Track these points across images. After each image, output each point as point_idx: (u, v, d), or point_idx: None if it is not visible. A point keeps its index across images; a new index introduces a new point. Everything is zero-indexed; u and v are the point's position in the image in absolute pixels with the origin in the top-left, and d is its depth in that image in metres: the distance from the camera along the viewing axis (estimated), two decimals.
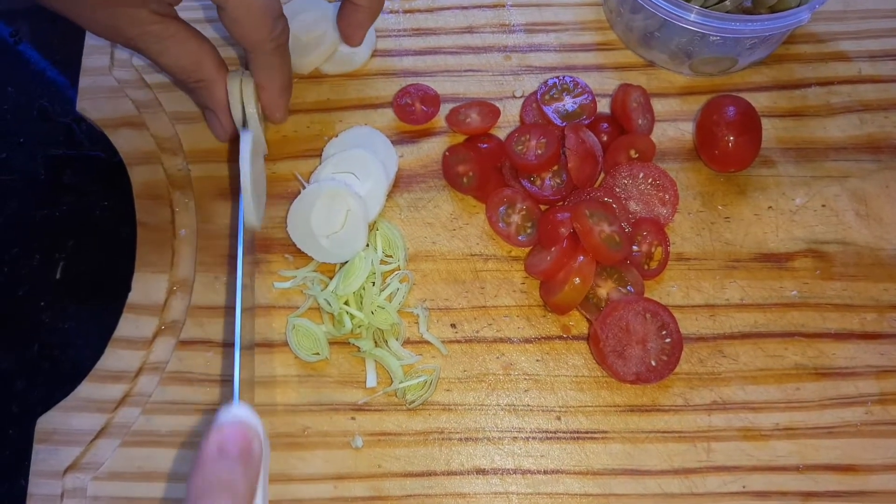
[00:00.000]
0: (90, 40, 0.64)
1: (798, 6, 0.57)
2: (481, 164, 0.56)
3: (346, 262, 0.55)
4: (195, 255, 0.57)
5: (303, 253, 0.56)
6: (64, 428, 0.53)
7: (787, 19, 0.53)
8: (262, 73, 0.54)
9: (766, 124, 0.59)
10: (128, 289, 0.56)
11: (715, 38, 0.55)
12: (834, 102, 0.61)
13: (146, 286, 0.57)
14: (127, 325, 0.56)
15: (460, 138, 0.60)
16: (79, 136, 0.64)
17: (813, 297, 0.55)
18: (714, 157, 0.57)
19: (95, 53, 0.63)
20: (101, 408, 0.54)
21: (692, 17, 0.54)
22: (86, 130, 0.64)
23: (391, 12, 0.65)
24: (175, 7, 0.51)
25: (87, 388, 0.54)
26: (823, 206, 0.58)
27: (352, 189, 0.55)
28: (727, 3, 0.57)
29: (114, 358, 0.55)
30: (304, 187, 0.57)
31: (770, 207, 0.58)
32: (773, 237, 0.57)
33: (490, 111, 0.60)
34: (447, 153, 0.58)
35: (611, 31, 0.64)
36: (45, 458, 0.52)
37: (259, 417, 0.42)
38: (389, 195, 0.59)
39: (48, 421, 0.53)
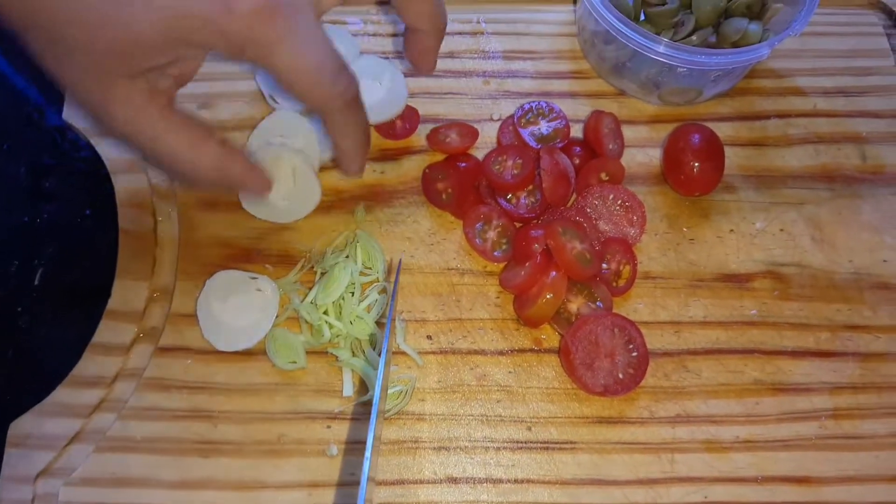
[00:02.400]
0: None
1: (759, 42, 0.61)
2: (459, 182, 0.59)
3: (326, 272, 0.56)
4: (176, 264, 0.58)
5: (284, 262, 0.58)
6: (37, 432, 0.53)
7: (748, 54, 0.57)
8: (335, 133, 0.48)
9: (729, 152, 0.62)
10: (107, 295, 0.57)
11: (682, 69, 0.59)
12: (791, 134, 0.64)
13: (126, 293, 0.57)
14: (105, 332, 0.56)
15: (440, 157, 0.62)
16: (63, 143, 0.65)
17: (771, 317, 0.58)
18: (680, 181, 0.60)
19: None
20: (77, 413, 0.54)
21: (661, 49, 0.57)
22: (71, 139, 0.64)
23: (375, 35, 0.68)
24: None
25: (62, 394, 0.54)
26: (781, 230, 0.61)
27: (288, 147, 0.58)
28: (694, 37, 0.61)
29: (91, 364, 0.55)
30: None
31: (732, 230, 0.61)
32: (735, 259, 0.60)
33: (469, 132, 0.62)
34: (427, 170, 0.60)
35: (584, 60, 0.67)
36: (17, 463, 0.52)
37: None
38: (370, 209, 0.60)
39: (21, 425, 0.53)
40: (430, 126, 0.63)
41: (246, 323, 0.55)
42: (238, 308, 0.56)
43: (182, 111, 0.45)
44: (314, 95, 0.44)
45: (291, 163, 0.58)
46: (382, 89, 0.63)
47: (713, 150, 0.59)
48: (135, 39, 0.39)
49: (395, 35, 0.68)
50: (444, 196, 0.59)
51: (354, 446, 0.53)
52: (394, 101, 0.62)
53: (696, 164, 0.58)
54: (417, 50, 0.53)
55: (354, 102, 0.46)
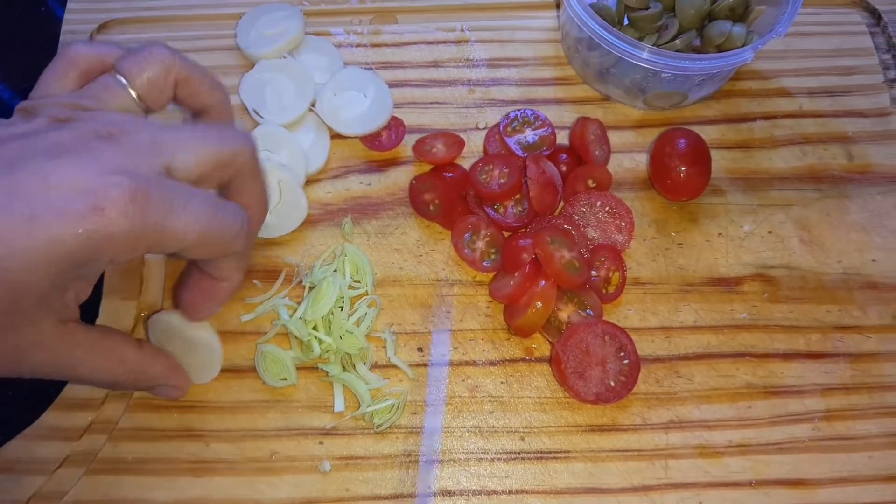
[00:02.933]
0: None
1: (743, 46, 0.61)
2: (447, 193, 0.58)
3: (315, 287, 0.56)
4: (164, 282, 0.58)
5: (272, 277, 0.58)
6: (27, 457, 0.53)
7: (732, 58, 0.57)
8: (225, 273, 0.47)
9: (716, 155, 0.62)
10: (95, 315, 0.57)
11: (666, 74, 0.59)
12: (778, 135, 0.64)
13: (114, 312, 0.57)
14: None
15: (426, 168, 0.62)
16: None
17: (762, 319, 0.58)
18: (667, 186, 0.60)
19: None
20: (67, 436, 0.53)
21: (644, 55, 0.57)
22: None
23: (359, 46, 0.68)
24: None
25: (52, 417, 0.54)
26: (770, 232, 0.61)
27: (273, 161, 0.58)
28: (677, 42, 0.61)
29: (80, 385, 0.55)
30: None
31: (720, 234, 0.61)
32: (724, 262, 0.60)
33: (455, 142, 0.62)
34: (414, 181, 0.60)
35: (569, 66, 0.67)
36: (8, 488, 0.51)
37: None
38: (358, 222, 0.60)
39: (11, 450, 0.53)
40: (415, 136, 0.63)
41: (196, 360, 0.54)
42: (185, 349, 0.53)
43: (89, 327, 0.43)
44: (227, 245, 0.42)
45: (277, 177, 0.58)
46: (367, 101, 0.63)
47: (699, 154, 0.59)
48: (17, 289, 0.36)
49: (378, 45, 0.68)
50: (431, 207, 0.59)
51: (347, 461, 0.53)
52: (379, 112, 0.62)
53: (683, 169, 0.58)
54: (208, 295, 0.49)
55: (251, 239, 0.46)
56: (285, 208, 0.58)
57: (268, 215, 0.57)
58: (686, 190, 0.60)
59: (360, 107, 0.62)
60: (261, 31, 0.65)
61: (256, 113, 0.62)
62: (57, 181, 0.36)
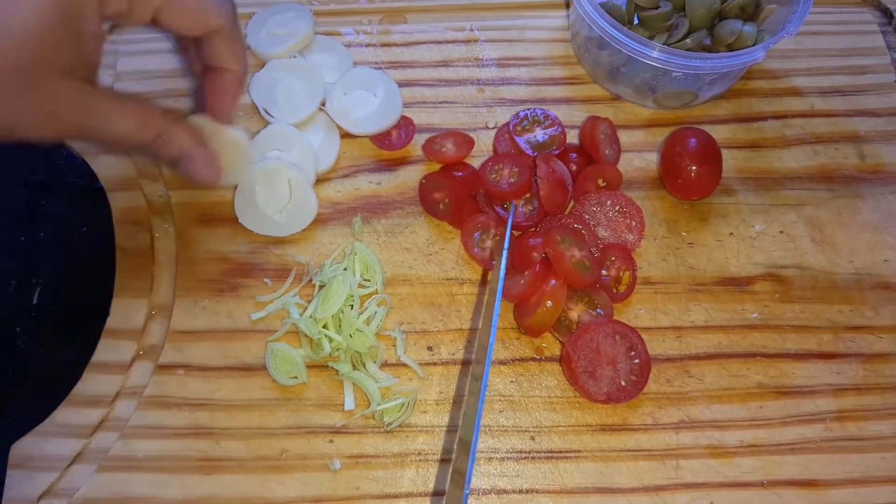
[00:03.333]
0: None
1: (754, 45, 0.60)
2: (456, 192, 0.58)
3: (325, 285, 0.56)
4: (174, 280, 0.58)
5: (282, 276, 0.58)
6: (39, 454, 0.53)
7: (743, 57, 0.57)
8: (223, 58, 0.50)
9: (726, 155, 0.62)
10: (106, 314, 0.57)
11: (677, 73, 0.58)
12: (789, 135, 0.64)
13: (125, 311, 0.57)
14: (105, 350, 0.56)
15: (436, 167, 0.62)
16: (58, 162, 0.65)
17: (773, 319, 0.57)
18: (677, 185, 0.60)
19: None
20: (78, 433, 0.53)
21: (655, 54, 0.57)
22: (66, 157, 0.64)
23: (368, 46, 0.68)
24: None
25: (63, 413, 0.54)
26: (781, 232, 0.60)
27: (284, 160, 0.58)
28: (688, 41, 0.61)
29: (91, 383, 0.55)
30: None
31: (731, 234, 0.60)
32: (735, 262, 0.59)
33: (464, 141, 0.62)
34: (424, 180, 0.60)
35: (579, 66, 0.67)
36: (20, 484, 0.52)
37: None
38: (368, 221, 0.60)
39: (23, 447, 0.53)
40: (425, 136, 0.63)
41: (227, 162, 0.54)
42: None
43: (111, 89, 0.46)
44: (210, 15, 0.46)
45: (288, 176, 0.58)
46: (377, 100, 0.63)
47: (710, 153, 0.59)
48: (28, 33, 0.39)
49: (388, 45, 0.68)
50: (441, 206, 0.59)
51: (357, 460, 0.53)
52: (388, 111, 0.62)
53: (694, 168, 0.58)
54: (219, 91, 0.52)
55: (237, 23, 0.48)
56: (295, 207, 0.58)
57: (279, 214, 0.57)
58: (697, 189, 0.60)
59: (369, 106, 0.62)
60: (271, 31, 0.65)
61: (267, 112, 0.62)
62: None
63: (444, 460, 0.53)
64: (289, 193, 0.58)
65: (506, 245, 0.53)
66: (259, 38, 0.65)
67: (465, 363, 0.56)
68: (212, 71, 0.51)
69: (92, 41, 0.44)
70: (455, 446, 0.45)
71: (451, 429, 0.54)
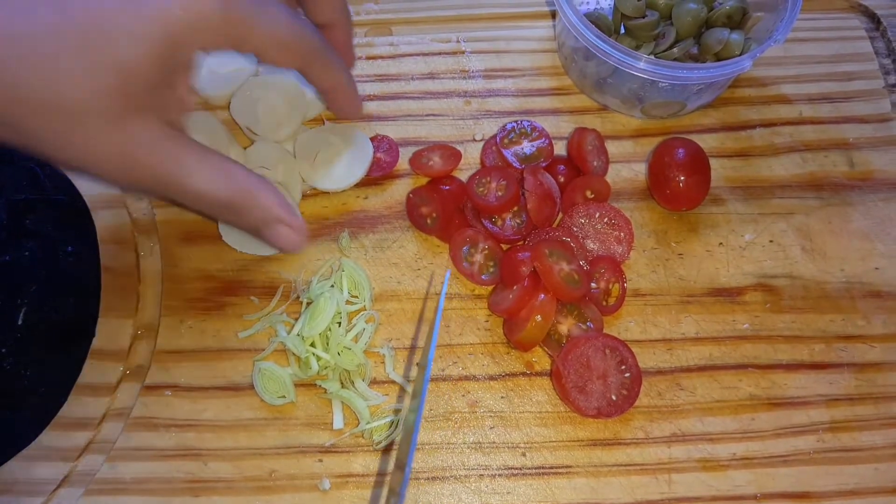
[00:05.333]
0: None
1: (741, 53, 0.60)
2: (444, 206, 0.58)
3: (312, 303, 0.55)
4: (160, 300, 0.57)
5: (269, 293, 0.57)
6: (25, 478, 0.52)
7: (730, 67, 0.56)
8: (328, 75, 0.49)
9: (715, 164, 0.62)
10: (92, 334, 0.56)
11: (664, 84, 0.58)
12: (777, 143, 0.64)
13: (111, 331, 0.56)
14: (91, 371, 0.55)
15: (423, 181, 0.62)
16: (42, 180, 0.64)
17: (764, 330, 0.57)
18: (666, 196, 0.59)
19: None
20: (65, 456, 0.53)
21: (641, 65, 0.56)
22: (50, 174, 0.64)
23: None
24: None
25: (49, 436, 0.53)
26: (771, 241, 0.60)
27: (269, 178, 0.57)
28: (675, 50, 0.61)
29: (78, 405, 0.54)
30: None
31: (721, 244, 0.60)
32: (725, 272, 0.59)
33: (452, 154, 0.61)
34: (411, 195, 0.59)
35: (566, 76, 0.67)
36: None
37: None
38: (355, 236, 0.60)
39: (9, 471, 0.52)
40: (412, 149, 0.62)
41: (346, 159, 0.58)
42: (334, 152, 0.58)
43: (196, 141, 0.44)
44: (302, 47, 0.45)
45: None
46: (345, 154, 0.61)
47: (698, 164, 0.59)
48: (125, 69, 0.38)
49: (373, 58, 0.67)
50: (428, 220, 0.58)
51: (347, 479, 0.52)
52: (360, 162, 0.61)
53: (682, 179, 0.58)
54: (335, 46, 0.52)
55: (327, 43, 0.48)
56: None
57: None
58: (685, 200, 0.59)
59: (339, 162, 0.60)
60: (213, 70, 0.63)
61: (250, 130, 0.61)
62: None
63: (434, 478, 0.53)
64: None
65: (438, 318, 0.52)
66: (200, 77, 0.62)
67: (455, 379, 0.55)
68: (322, 28, 0.51)
69: (186, 81, 0.43)
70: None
71: (443, 446, 0.53)
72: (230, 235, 0.58)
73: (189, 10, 0.38)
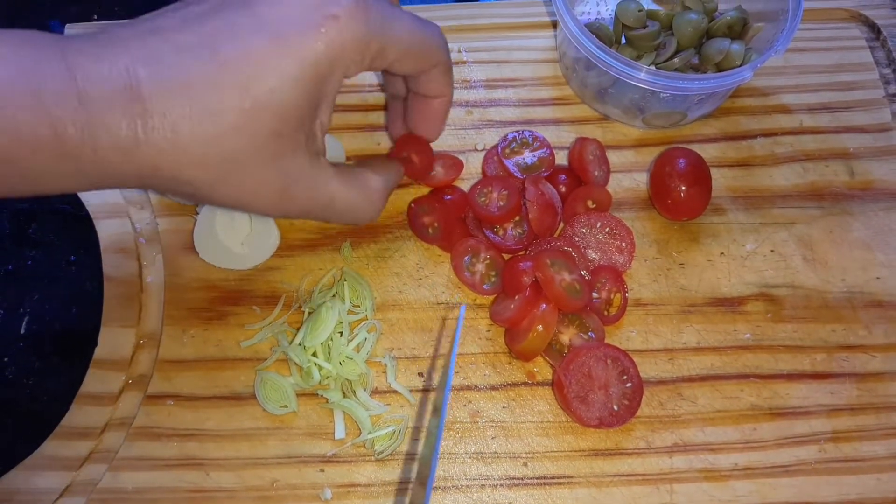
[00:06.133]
0: None
1: (742, 63, 0.60)
2: (446, 215, 0.58)
3: (313, 312, 0.55)
4: (162, 309, 0.58)
5: (271, 303, 0.58)
6: (27, 487, 0.52)
7: (731, 78, 0.56)
8: (442, 86, 0.50)
9: (716, 174, 0.62)
10: (94, 343, 0.56)
11: (665, 94, 0.58)
12: (778, 152, 0.64)
13: (113, 340, 0.57)
14: (93, 381, 0.55)
15: (425, 190, 0.62)
16: None
17: (766, 340, 0.57)
18: (667, 206, 0.60)
19: None
20: (66, 465, 0.53)
21: (642, 75, 0.56)
22: None
23: None
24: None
25: (51, 446, 0.54)
26: (772, 251, 0.60)
27: None
28: (676, 60, 0.61)
29: (80, 414, 0.54)
30: (196, 214, 0.59)
31: (722, 253, 0.60)
32: (726, 282, 0.59)
33: (453, 164, 0.61)
34: (413, 204, 0.60)
35: (567, 86, 0.67)
36: None
37: None
38: (357, 246, 0.60)
39: (11, 481, 0.52)
40: None
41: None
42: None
43: (337, 164, 0.45)
44: (431, 53, 0.46)
45: None
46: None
47: (700, 174, 0.59)
48: (280, 111, 0.38)
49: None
50: (430, 230, 0.59)
51: (349, 489, 0.52)
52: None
53: (683, 189, 0.58)
54: (432, 116, 0.52)
55: (449, 54, 0.49)
56: (257, 238, 0.58)
57: (240, 246, 0.57)
58: (687, 210, 0.59)
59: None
60: None
61: None
62: (288, 1, 0.38)
63: (435, 488, 0.53)
64: (249, 224, 0.58)
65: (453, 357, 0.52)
66: None
67: (457, 389, 0.55)
68: (423, 98, 0.51)
69: (329, 110, 0.43)
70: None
71: (444, 456, 0.53)
72: (206, 251, 0.58)
73: (332, 45, 0.38)
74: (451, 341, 0.56)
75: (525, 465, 0.53)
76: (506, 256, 0.59)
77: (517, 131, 0.63)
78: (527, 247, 0.58)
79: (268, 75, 0.37)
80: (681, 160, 0.59)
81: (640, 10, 0.63)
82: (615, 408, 0.53)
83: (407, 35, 0.43)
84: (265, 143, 0.38)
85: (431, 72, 0.48)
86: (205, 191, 0.39)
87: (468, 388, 0.55)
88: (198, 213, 0.59)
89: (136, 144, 0.35)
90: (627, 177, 0.63)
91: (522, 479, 0.53)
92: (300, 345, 0.54)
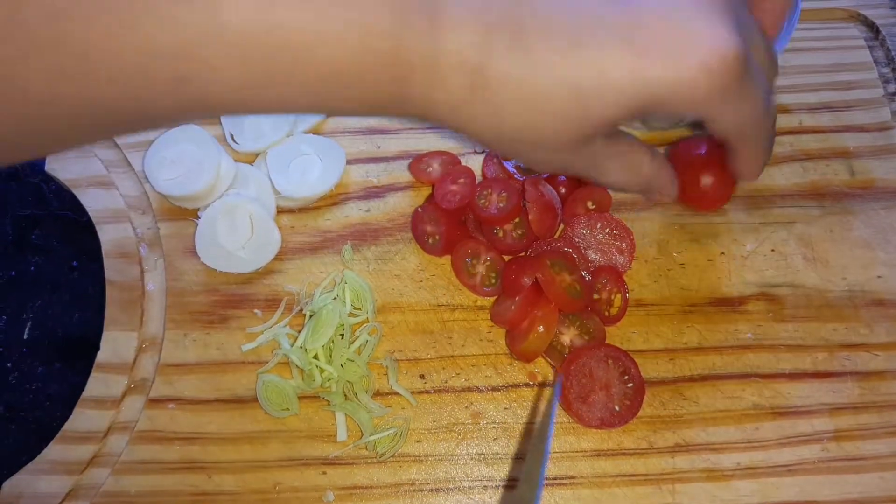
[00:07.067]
0: None
1: None
2: (448, 225, 0.58)
3: (314, 315, 0.56)
4: (164, 313, 0.58)
5: (273, 306, 0.58)
6: (31, 491, 0.52)
7: None
8: (751, 162, 0.49)
9: None
10: (96, 348, 0.57)
11: None
12: (778, 152, 0.64)
13: (115, 345, 0.57)
14: (96, 385, 0.56)
15: (425, 191, 0.62)
16: (48, 195, 0.65)
17: (767, 339, 0.57)
18: (694, 196, 0.58)
19: None
20: (69, 470, 0.53)
21: None
22: (55, 190, 0.64)
23: None
24: None
25: (54, 450, 0.54)
26: (773, 250, 0.60)
27: (243, 196, 0.58)
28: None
29: (82, 418, 0.55)
30: (198, 218, 0.59)
31: (722, 253, 0.60)
32: (727, 282, 0.59)
33: (451, 161, 0.62)
34: (420, 209, 0.59)
35: None
36: None
37: None
38: (358, 249, 0.60)
39: (14, 485, 0.52)
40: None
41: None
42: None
43: (619, 140, 0.45)
44: (757, 135, 0.45)
45: (248, 211, 0.58)
46: (319, 161, 0.62)
47: (724, 158, 0.56)
48: (596, 124, 0.38)
49: None
50: (430, 240, 0.59)
51: (351, 492, 0.52)
52: (333, 167, 0.61)
53: (709, 178, 0.56)
54: (743, 162, 0.49)
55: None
56: (258, 242, 0.58)
57: (241, 250, 0.58)
58: (715, 199, 0.58)
59: (313, 170, 0.61)
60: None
61: (232, 138, 0.62)
62: (677, 24, 0.35)
63: (438, 489, 0.53)
64: (250, 228, 0.58)
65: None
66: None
67: (458, 390, 0.55)
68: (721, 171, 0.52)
69: None
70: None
71: (446, 458, 0.53)
72: (207, 255, 0.58)
73: (681, 87, 0.36)
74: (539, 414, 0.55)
75: None
76: (506, 258, 0.59)
77: None
78: (527, 248, 0.58)
79: (606, 87, 0.36)
80: (702, 147, 0.57)
81: None
82: (616, 408, 0.53)
83: (753, 110, 0.41)
84: (573, 144, 0.40)
85: (749, 145, 0.46)
86: (525, 159, 0.44)
87: (469, 389, 0.55)
88: (199, 218, 0.59)
89: (462, 103, 0.37)
90: None
91: None
92: (302, 347, 0.54)
